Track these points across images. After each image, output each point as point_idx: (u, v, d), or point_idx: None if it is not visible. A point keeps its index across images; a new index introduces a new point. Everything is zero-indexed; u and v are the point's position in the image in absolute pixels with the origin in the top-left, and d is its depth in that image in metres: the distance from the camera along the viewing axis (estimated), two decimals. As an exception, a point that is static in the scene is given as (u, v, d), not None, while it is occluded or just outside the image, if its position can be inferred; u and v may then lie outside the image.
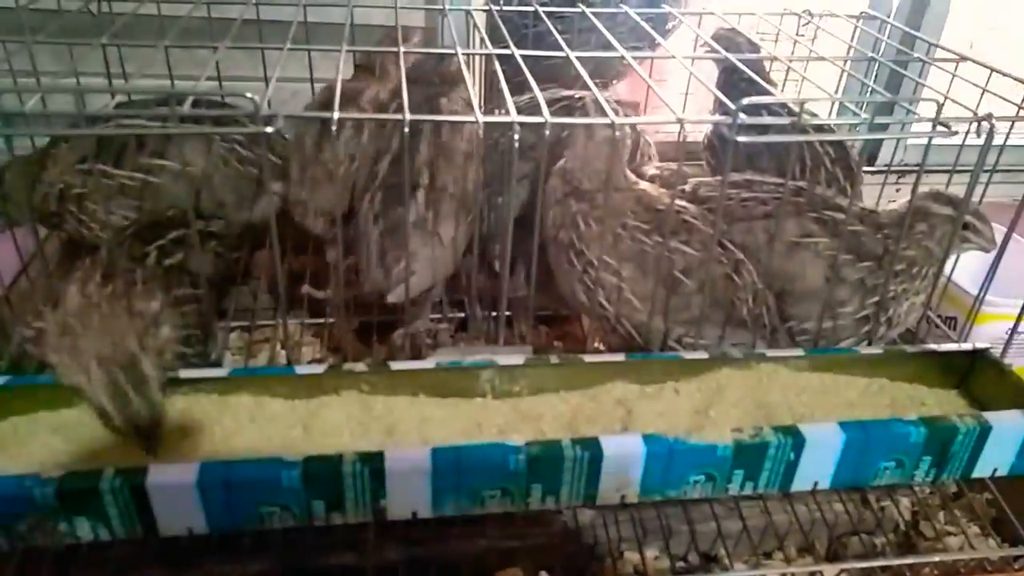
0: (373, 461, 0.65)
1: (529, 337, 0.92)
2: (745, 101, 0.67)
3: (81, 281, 0.73)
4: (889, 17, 1.35)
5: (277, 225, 0.72)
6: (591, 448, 0.68)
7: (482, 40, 0.98)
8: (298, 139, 0.94)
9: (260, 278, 1.21)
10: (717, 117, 0.70)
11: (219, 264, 0.90)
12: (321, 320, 1.06)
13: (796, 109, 0.69)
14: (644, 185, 0.87)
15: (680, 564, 0.93)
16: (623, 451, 0.69)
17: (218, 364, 0.87)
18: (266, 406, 0.75)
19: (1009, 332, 1.18)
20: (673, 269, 0.82)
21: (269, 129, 0.63)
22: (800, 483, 0.74)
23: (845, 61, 0.88)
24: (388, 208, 0.86)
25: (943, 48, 0.96)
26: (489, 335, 0.93)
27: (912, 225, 0.87)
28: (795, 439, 0.71)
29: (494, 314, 1.10)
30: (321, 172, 0.92)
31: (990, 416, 0.74)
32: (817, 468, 0.73)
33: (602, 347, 1.01)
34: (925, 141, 0.71)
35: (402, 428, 0.74)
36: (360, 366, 0.76)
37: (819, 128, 0.77)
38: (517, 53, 0.82)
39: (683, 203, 0.87)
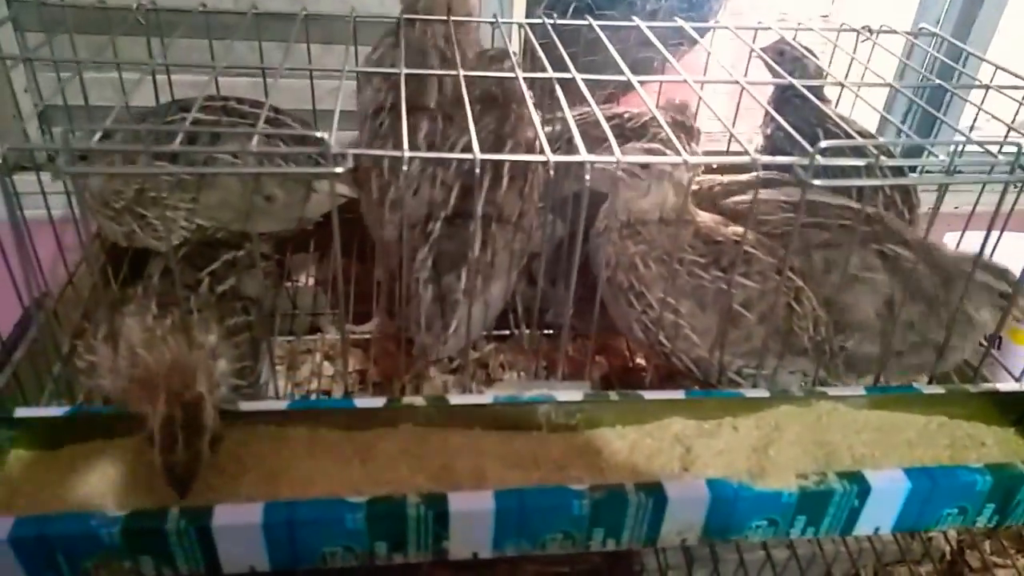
0: (437, 504, 0.65)
1: (564, 352, 0.91)
2: (823, 144, 0.66)
3: (139, 314, 0.72)
4: (937, 28, 1.32)
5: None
6: (655, 494, 0.67)
7: (533, 53, 0.96)
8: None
9: (297, 281, 1.21)
10: (793, 159, 0.68)
11: (269, 285, 0.89)
12: (366, 333, 1.05)
13: (871, 148, 0.67)
14: (702, 216, 0.85)
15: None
16: (687, 496, 0.68)
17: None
18: (322, 438, 0.75)
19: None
20: (733, 303, 0.81)
21: (339, 170, 0.61)
22: (862, 528, 0.73)
23: (917, 88, 0.86)
24: (440, 273, 0.84)
25: (1008, 71, 0.94)
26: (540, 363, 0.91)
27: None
28: (860, 487, 0.70)
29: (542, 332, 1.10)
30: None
31: (1057, 464, 0.73)
32: (880, 514, 0.72)
33: (644, 363, 1.00)
34: (1000, 187, 0.69)
35: (458, 463, 0.74)
36: (419, 400, 0.75)
37: (897, 171, 0.75)
38: (578, 77, 0.80)
39: (738, 231, 0.85)
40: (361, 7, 1.02)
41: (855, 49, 1.06)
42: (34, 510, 0.64)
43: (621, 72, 0.85)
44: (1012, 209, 0.76)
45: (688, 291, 0.82)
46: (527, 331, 1.01)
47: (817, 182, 0.67)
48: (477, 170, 0.63)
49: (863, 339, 0.89)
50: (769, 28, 1.04)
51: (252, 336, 0.83)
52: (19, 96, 1.28)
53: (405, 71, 0.77)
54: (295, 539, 0.64)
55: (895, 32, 1.06)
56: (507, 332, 1.05)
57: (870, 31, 1.05)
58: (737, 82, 0.84)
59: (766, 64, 0.99)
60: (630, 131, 1.03)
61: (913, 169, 0.90)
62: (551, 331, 1.11)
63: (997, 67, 0.94)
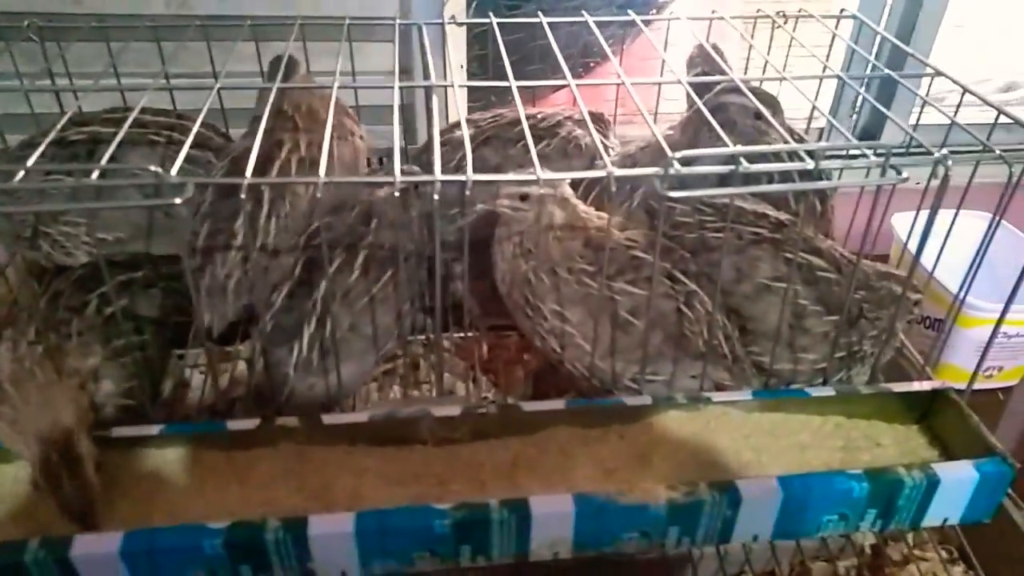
0: (296, 529, 0.65)
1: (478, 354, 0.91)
2: (679, 154, 0.64)
3: (12, 341, 0.73)
4: (881, 20, 1.29)
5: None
6: (519, 510, 0.67)
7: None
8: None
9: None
10: (649, 170, 0.66)
11: (168, 304, 0.89)
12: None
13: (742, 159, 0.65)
14: (596, 221, 0.83)
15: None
16: (552, 511, 0.68)
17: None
18: (202, 459, 0.75)
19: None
20: (620, 310, 0.80)
21: (178, 201, 0.61)
22: (740, 536, 0.72)
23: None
24: (273, 346, 0.83)
25: (921, 61, 0.91)
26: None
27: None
28: (731, 496, 0.69)
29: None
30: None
31: (939, 468, 0.72)
32: (756, 523, 0.71)
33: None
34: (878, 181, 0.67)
35: (337, 481, 0.74)
36: (292, 420, 0.75)
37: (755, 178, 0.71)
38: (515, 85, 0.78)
39: (633, 236, 0.84)
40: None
41: (771, 37, 1.03)
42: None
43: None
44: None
45: (577, 300, 0.81)
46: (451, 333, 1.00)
47: (674, 194, 0.65)
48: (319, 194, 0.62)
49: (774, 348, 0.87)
50: (678, 18, 1.01)
51: (146, 355, 0.83)
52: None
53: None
54: (157, 566, 0.65)
55: (811, 17, 1.03)
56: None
57: (785, 17, 1.02)
58: (657, 83, 0.83)
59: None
60: (543, 130, 1.01)
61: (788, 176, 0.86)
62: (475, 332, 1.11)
63: (914, 56, 0.91)
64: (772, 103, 0.87)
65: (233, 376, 1.11)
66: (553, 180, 0.76)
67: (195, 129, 0.68)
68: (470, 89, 1.41)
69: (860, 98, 1.39)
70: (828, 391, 0.81)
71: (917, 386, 0.82)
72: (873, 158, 0.68)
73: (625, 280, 0.80)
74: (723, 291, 0.83)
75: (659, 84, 1.05)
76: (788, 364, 0.85)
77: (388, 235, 0.84)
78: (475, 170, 0.66)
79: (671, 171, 0.65)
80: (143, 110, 0.93)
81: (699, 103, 0.75)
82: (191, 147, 0.91)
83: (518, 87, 0.79)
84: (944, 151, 0.69)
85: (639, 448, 0.78)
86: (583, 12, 1.00)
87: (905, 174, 0.67)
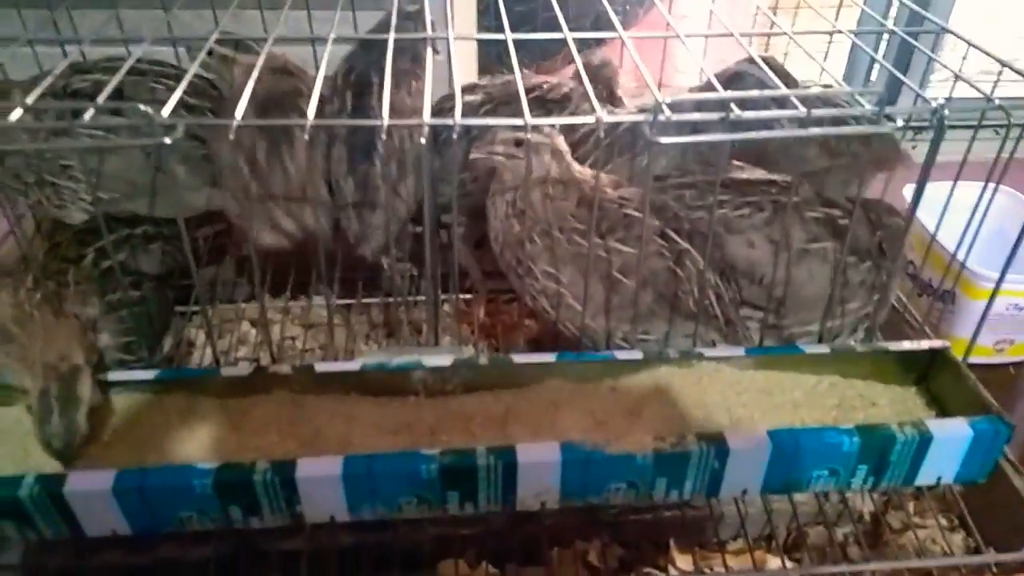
0: (284, 471, 0.66)
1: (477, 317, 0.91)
2: (670, 99, 0.64)
3: (12, 287, 0.74)
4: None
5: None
6: (506, 457, 0.67)
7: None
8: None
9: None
10: (637, 116, 0.66)
11: (167, 262, 0.90)
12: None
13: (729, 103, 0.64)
14: (589, 179, 0.83)
15: (627, 554, 0.93)
16: (539, 460, 0.68)
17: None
18: (198, 405, 0.76)
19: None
20: (611, 269, 0.79)
21: (167, 140, 0.62)
22: (727, 490, 0.72)
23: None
24: (355, 165, 0.86)
25: (929, 19, 0.89)
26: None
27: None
28: (718, 448, 0.69)
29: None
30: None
31: (932, 424, 0.71)
32: (744, 476, 0.71)
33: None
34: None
35: (329, 429, 0.75)
36: (285, 368, 0.76)
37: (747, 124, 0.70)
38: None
39: (626, 194, 0.83)
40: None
41: (771, 27, 1.01)
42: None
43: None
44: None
45: (568, 259, 0.81)
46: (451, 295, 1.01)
47: (663, 139, 0.65)
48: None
49: (817, 311, 0.86)
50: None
51: (146, 311, 0.85)
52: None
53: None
54: (149, 504, 0.66)
55: (811, 8, 1.01)
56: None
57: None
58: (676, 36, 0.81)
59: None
60: (551, 102, 1.00)
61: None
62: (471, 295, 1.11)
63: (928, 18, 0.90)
64: (786, 76, 0.86)
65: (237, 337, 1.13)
66: (546, 128, 0.76)
67: (188, 76, 0.68)
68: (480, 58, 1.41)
69: (873, 63, 1.36)
70: (823, 348, 0.81)
71: (913, 345, 0.81)
72: (867, 106, 0.67)
73: (616, 238, 0.80)
74: (761, 266, 0.82)
75: (666, 38, 1.04)
76: (835, 320, 0.85)
77: None
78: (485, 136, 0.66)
79: (660, 117, 0.64)
80: (141, 60, 0.95)
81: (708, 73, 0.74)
82: (191, 96, 0.95)
83: (515, 39, 0.79)
84: (941, 100, 0.67)
85: (630, 402, 0.78)
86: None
87: (900, 122, 0.67)
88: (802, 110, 0.66)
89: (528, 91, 1.02)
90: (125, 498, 0.65)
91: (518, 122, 0.65)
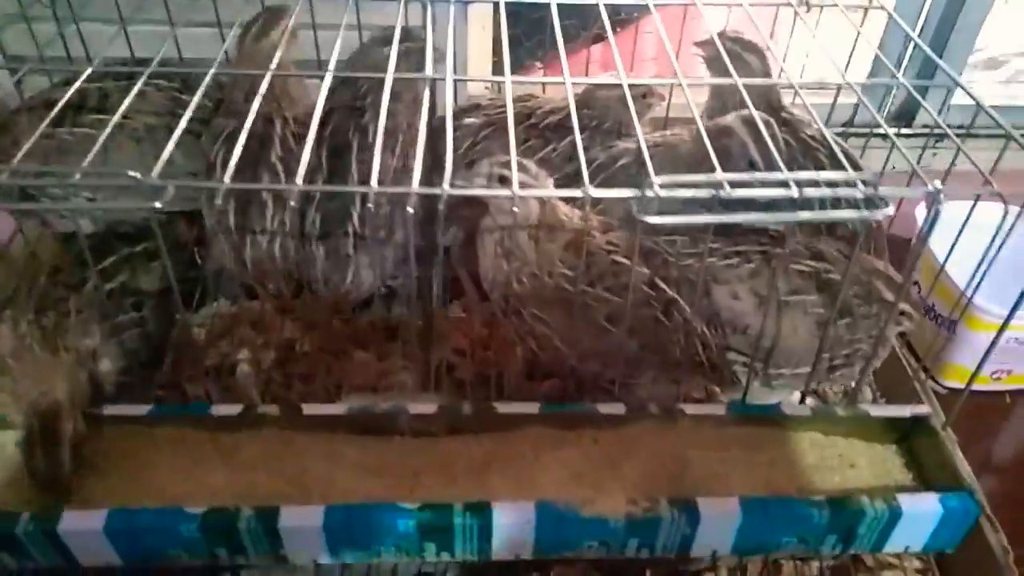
0: (267, 520, 0.69)
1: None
2: (660, 179, 0.63)
3: (13, 319, 0.76)
4: (921, 14, 1.22)
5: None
6: (482, 516, 0.70)
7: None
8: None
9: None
10: (625, 192, 0.65)
11: (166, 277, 0.91)
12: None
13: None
14: (576, 223, 0.83)
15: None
16: (514, 519, 0.70)
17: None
18: (189, 438, 0.79)
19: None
20: (598, 317, 0.80)
21: (158, 205, 0.62)
22: (697, 551, 0.74)
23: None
24: (329, 232, 0.86)
25: (946, 71, 0.87)
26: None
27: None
28: (690, 515, 0.71)
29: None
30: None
31: (902, 500, 0.72)
32: (714, 539, 0.73)
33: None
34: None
35: (315, 468, 0.77)
36: (274, 410, 0.78)
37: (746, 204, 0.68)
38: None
39: (613, 240, 0.83)
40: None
41: (793, 25, 0.99)
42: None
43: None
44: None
45: (556, 303, 0.81)
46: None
47: (650, 219, 0.64)
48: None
49: (800, 362, 0.87)
50: (693, 3, 0.97)
51: (147, 332, 0.86)
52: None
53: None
54: (139, 543, 0.69)
55: (835, 6, 0.98)
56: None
57: (808, 5, 0.98)
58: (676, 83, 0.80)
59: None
60: (550, 131, 1.00)
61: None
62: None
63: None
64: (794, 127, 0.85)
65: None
66: (533, 170, 0.75)
67: (190, 111, 0.68)
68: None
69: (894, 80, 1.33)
70: (804, 410, 0.81)
71: (896, 411, 0.82)
72: (861, 188, 0.66)
73: (604, 287, 0.80)
74: (745, 317, 0.83)
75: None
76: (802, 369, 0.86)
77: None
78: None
79: (648, 194, 0.64)
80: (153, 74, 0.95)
81: (701, 127, 0.72)
82: (194, 123, 0.95)
83: (513, 82, 0.78)
84: (937, 183, 0.67)
85: (610, 454, 0.79)
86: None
87: (890, 209, 0.66)
88: (794, 191, 0.65)
89: (526, 116, 1.02)
90: (116, 537, 0.68)
91: (506, 193, 0.65)
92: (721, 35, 1.05)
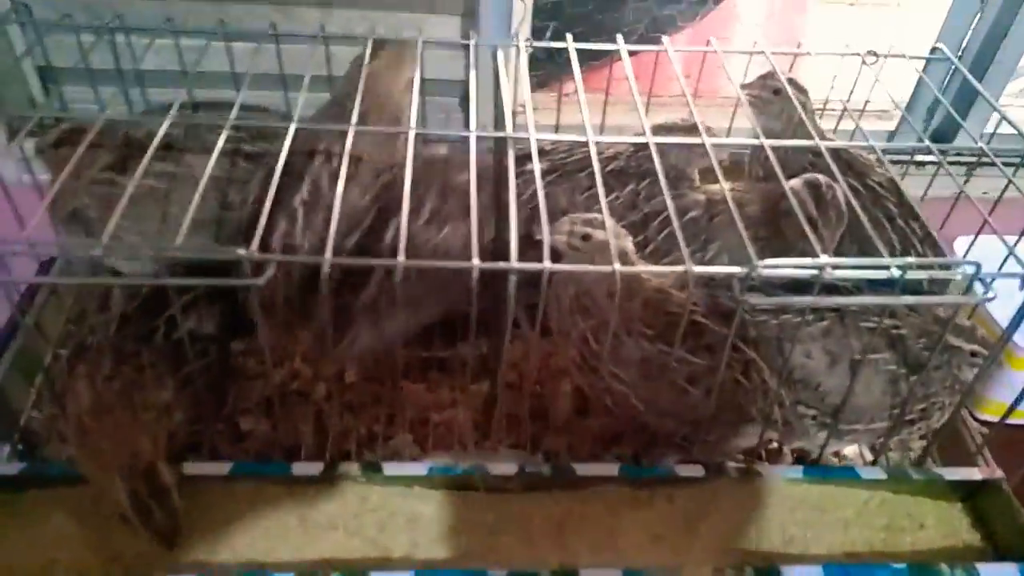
0: (358, 587, 0.69)
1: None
2: (763, 264, 0.63)
3: (88, 376, 0.75)
4: (960, 51, 1.22)
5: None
6: (572, 584, 0.70)
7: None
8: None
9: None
10: (731, 268, 0.65)
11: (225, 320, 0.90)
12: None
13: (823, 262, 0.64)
14: (655, 280, 0.82)
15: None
16: (602, 587, 0.71)
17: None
18: (266, 494, 0.78)
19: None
20: (679, 379, 0.80)
21: (260, 282, 0.61)
22: (777, 615, 0.75)
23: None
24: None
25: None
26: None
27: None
28: (775, 583, 0.71)
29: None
30: None
31: (982, 568, 0.73)
32: (796, 605, 0.74)
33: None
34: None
35: (392, 526, 0.77)
36: (354, 469, 0.78)
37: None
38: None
39: (695, 297, 0.82)
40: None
41: (858, 74, 0.98)
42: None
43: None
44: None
45: (633, 362, 0.81)
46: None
47: (753, 300, 0.64)
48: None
49: (874, 417, 0.87)
50: (761, 52, 0.96)
51: (214, 378, 0.85)
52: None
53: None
54: (227, 610, 0.69)
55: (903, 56, 0.98)
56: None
57: (875, 55, 0.97)
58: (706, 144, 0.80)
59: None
60: (613, 177, 0.98)
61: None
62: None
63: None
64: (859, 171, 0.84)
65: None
66: (611, 227, 0.74)
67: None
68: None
69: (935, 99, 1.33)
70: (879, 474, 0.82)
71: (967, 474, 0.82)
72: (965, 269, 0.66)
73: (684, 347, 0.79)
74: (817, 375, 0.83)
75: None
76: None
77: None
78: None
79: (754, 274, 0.64)
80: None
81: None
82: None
83: (595, 142, 0.78)
84: (973, 266, 0.67)
85: (687, 515, 0.80)
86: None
87: (992, 293, 0.66)
88: (896, 272, 0.65)
89: (585, 166, 1.01)
90: (205, 604, 0.68)
91: (606, 270, 0.65)
92: (767, 76, 1.04)
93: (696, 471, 0.80)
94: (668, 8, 1.77)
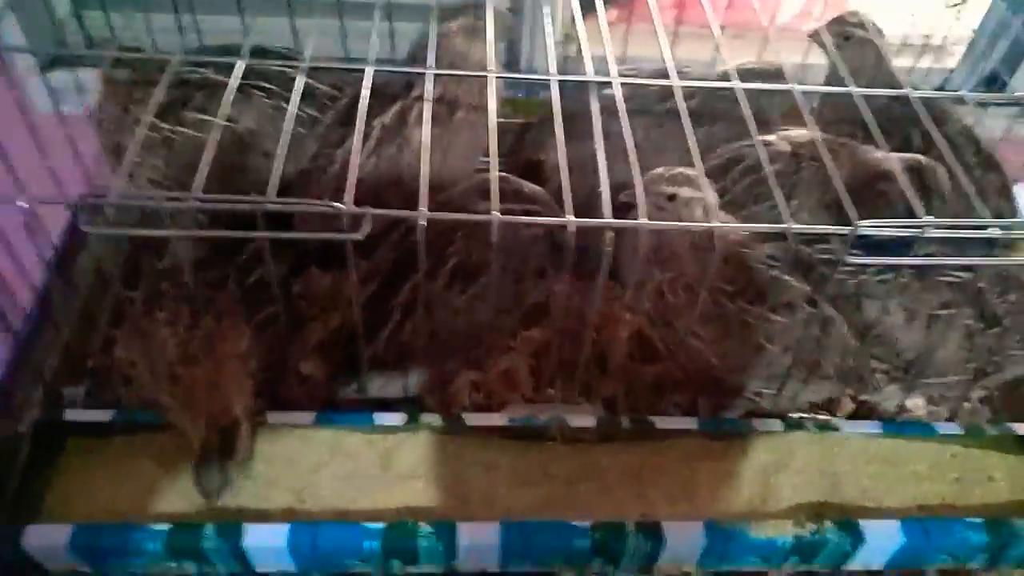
0: (446, 536, 0.70)
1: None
2: (865, 223, 0.62)
3: (171, 324, 0.75)
4: None
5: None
6: (653, 537, 0.71)
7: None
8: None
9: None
10: (832, 228, 0.64)
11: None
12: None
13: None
14: (736, 236, 0.81)
15: None
16: (684, 539, 0.72)
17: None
18: (345, 442, 0.79)
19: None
20: (756, 336, 0.79)
21: (358, 237, 0.60)
22: (850, 566, 0.76)
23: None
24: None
25: None
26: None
27: None
28: (854, 538, 0.72)
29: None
30: None
31: (1059, 523, 0.74)
32: (871, 558, 0.75)
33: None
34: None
35: (471, 476, 0.78)
36: (436, 420, 0.78)
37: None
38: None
39: (776, 254, 0.81)
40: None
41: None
42: (89, 513, 0.72)
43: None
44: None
45: (711, 318, 0.80)
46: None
47: (856, 260, 0.63)
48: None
49: (948, 372, 0.87)
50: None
51: (285, 325, 0.85)
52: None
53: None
54: (319, 556, 0.71)
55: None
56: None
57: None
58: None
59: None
60: (697, 112, 0.94)
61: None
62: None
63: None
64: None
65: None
66: (697, 180, 0.73)
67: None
68: None
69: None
70: (955, 429, 0.82)
71: (1041, 430, 0.83)
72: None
73: (764, 305, 0.79)
74: (894, 331, 0.82)
75: None
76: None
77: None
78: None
79: (855, 232, 0.63)
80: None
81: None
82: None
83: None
84: None
85: (763, 467, 0.81)
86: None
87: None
88: (997, 232, 0.64)
89: (661, 98, 0.97)
90: (297, 550, 0.70)
91: (704, 226, 0.64)
92: (838, 21, 1.00)
93: (774, 425, 0.80)
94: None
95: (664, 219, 0.76)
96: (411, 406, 0.82)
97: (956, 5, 0.92)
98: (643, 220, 0.63)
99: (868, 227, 0.62)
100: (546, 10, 0.87)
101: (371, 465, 0.79)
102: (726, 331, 0.79)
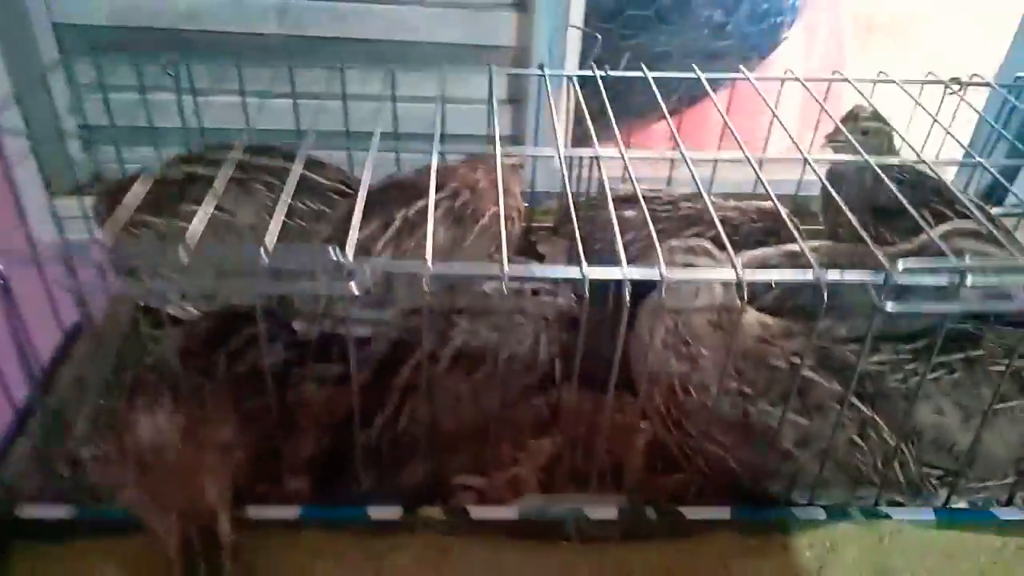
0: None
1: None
2: (902, 268, 0.57)
3: (149, 409, 0.68)
4: None
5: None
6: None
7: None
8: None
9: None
10: (863, 276, 0.60)
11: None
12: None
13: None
14: (757, 329, 0.75)
15: None
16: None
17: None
18: (336, 543, 0.70)
19: None
20: (783, 441, 0.72)
21: (356, 292, 0.56)
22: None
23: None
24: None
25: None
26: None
27: None
28: (921, 642, 0.62)
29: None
30: None
31: None
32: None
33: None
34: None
35: (478, 581, 0.69)
36: (437, 512, 0.70)
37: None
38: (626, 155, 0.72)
39: (798, 347, 0.74)
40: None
41: (941, 102, 0.95)
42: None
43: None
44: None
45: (732, 421, 0.73)
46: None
47: (894, 308, 0.58)
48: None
49: (1008, 471, 0.79)
50: (844, 79, 0.94)
51: (274, 417, 0.79)
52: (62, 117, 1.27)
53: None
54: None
55: (988, 85, 0.94)
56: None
57: (959, 83, 0.94)
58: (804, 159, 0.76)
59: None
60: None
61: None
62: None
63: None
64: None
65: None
66: (714, 251, 0.70)
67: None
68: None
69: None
70: (1018, 514, 0.74)
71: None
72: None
73: (791, 408, 0.71)
74: (951, 433, 0.76)
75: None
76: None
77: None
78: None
79: (894, 279, 0.58)
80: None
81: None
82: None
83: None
84: None
85: (806, 562, 0.71)
86: (692, 67, 0.94)
87: None
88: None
89: (691, 222, 0.97)
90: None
91: (729, 276, 0.59)
92: (851, 118, 1.01)
93: (816, 513, 0.72)
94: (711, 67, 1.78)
95: (683, 290, 0.72)
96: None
97: (956, 92, 0.92)
98: (662, 269, 0.58)
99: (905, 271, 0.57)
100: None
101: (363, 570, 0.69)
102: (747, 436, 0.72)
